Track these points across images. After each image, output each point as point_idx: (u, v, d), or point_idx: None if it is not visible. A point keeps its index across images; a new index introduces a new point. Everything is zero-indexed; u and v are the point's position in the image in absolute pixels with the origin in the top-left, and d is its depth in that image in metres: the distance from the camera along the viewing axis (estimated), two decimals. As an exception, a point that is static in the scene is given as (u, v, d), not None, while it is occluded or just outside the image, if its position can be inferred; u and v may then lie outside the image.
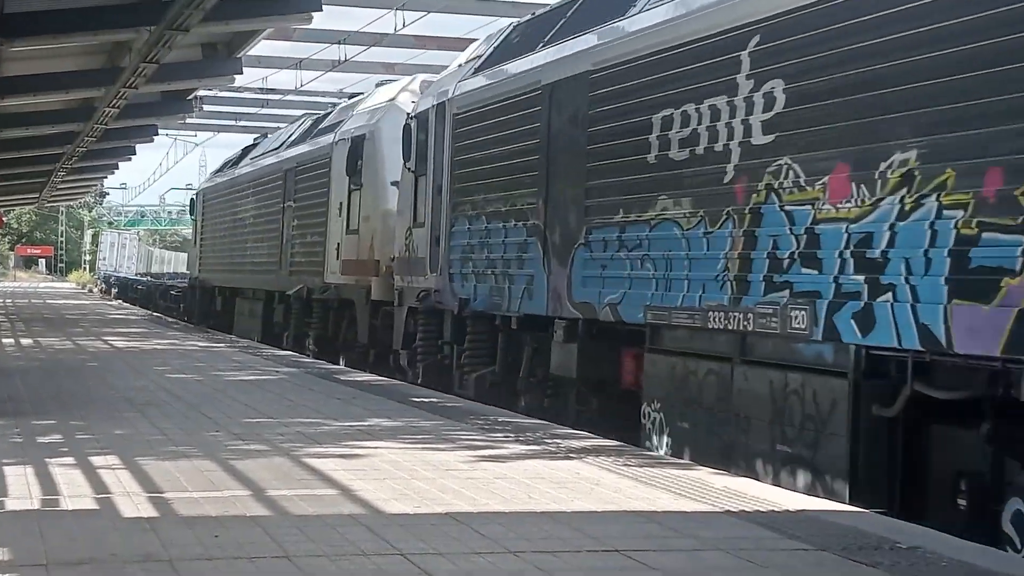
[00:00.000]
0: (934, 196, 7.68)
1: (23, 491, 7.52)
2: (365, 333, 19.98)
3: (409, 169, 16.96)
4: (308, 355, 21.69)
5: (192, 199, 39.07)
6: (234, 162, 33.62)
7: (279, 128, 33.98)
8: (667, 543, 6.45)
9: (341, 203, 21.23)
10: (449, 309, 15.49)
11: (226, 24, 18.66)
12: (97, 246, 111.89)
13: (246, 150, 33.45)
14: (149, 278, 66.88)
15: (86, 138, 27.06)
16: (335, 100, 31.85)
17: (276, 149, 27.99)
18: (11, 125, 24.48)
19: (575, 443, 10.10)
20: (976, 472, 7.78)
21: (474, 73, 15.53)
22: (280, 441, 9.84)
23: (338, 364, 19.97)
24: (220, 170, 35.45)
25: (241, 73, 22.91)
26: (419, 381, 16.09)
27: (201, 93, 33.77)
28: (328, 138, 22.78)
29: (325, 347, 22.18)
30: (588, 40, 12.47)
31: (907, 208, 7.90)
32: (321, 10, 17.64)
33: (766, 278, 9.36)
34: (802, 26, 9.05)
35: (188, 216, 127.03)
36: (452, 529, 6.66)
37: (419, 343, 16.47)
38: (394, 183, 18.57)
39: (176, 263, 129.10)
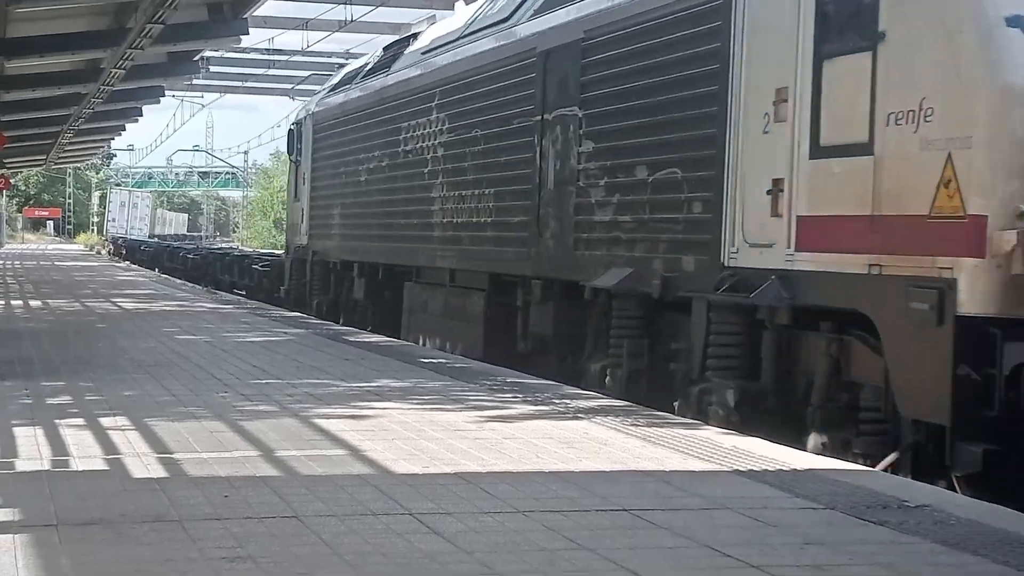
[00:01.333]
0: None
1: (33, 452, 7.54)
2: (940, 402, 7.83)
3: None
4: (684, 414, 10.29)
5: (291, 130, 25.93)
6: (374, 68, 21.47)
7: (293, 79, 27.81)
8: (675, 502, 6.46)
9: (783, 89, 9.65)
10: None
11: (232, -17, 18.65)
12: (106, 207, 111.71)
13: (391, 47, 21.80)
14: (189, 244, 61.22)
15: (93, 100, 27.04)
16: (342, 60, 31.22)
17: (492, 25, 16.04)
18: (18, 87, 24.47)
19: (583, 403, 10.11)
20: None
21: None
22: (289, 402, 9.85)
23: (806, 452, 8.66)
24: (344, 83, 23.25)
25: (247, 34, 22.84)
26: None
27: (207, 54, 33.77)
28: None
29: (750, 409, 9.76)
30: None
31: None
32: (328, -31, 17.45)
33: None
34: None
35: (196, 178, 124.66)
36: (461, 489, 6.67)
37: None
38: None
39: (176, 224, 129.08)
